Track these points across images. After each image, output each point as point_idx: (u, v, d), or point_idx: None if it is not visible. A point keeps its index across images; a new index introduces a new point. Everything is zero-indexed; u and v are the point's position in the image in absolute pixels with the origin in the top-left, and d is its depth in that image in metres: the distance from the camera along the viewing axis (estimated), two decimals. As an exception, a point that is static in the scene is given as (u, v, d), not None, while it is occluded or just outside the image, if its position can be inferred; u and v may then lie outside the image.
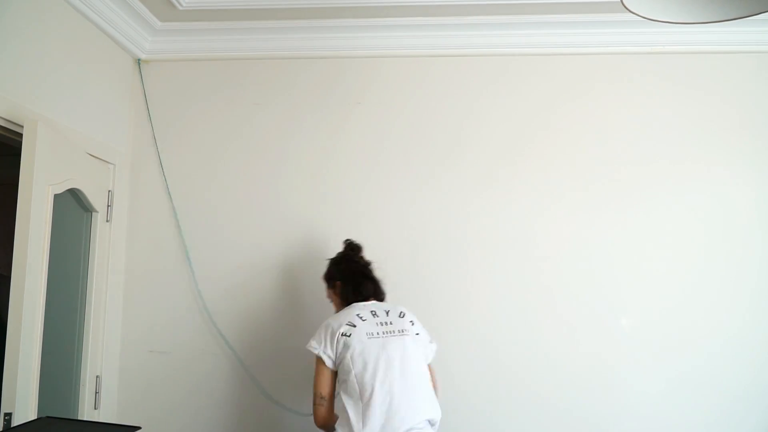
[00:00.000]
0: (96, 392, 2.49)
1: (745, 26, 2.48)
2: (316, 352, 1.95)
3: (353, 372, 1.86)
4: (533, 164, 2.62)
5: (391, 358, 1.87)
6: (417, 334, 2.00)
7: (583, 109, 2.63)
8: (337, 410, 1.89)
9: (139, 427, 1.76)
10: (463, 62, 2.69)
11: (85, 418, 2.37)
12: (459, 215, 2.61)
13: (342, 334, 1.92)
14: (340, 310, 2.09)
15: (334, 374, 1.94)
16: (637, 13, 1.22)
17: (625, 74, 2.63)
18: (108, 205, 2.59)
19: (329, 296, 2.21)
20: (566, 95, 2.64)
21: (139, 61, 2.79)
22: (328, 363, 1.93)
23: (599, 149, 2.60)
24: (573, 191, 2.59)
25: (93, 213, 2.47)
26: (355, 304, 2.05)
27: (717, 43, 2.58)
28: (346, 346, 1.89)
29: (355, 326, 1.93)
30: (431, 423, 1.88)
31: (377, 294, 2.13)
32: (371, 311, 2.00)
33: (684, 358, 2.47)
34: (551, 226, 2.58)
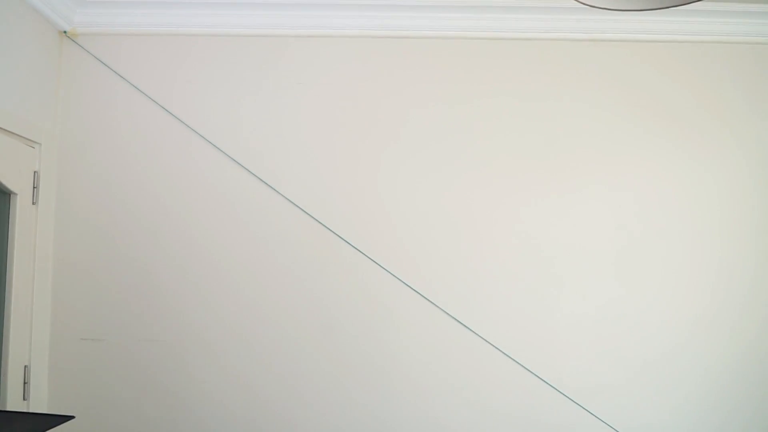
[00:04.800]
0: (25, 383, 2.38)
1: (682, 16, 2.61)
2: None
3: None
4: (474, 148, 2.65)
5: None
6: None
7: (525, 94, 2.68)
8: None
9: (72, 417, 1.70)
10: (407, 44, 2.68)
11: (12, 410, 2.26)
12: (401, 198, 2.62)
13: None
14: None
15: None
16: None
17: (567, 61, 2.69)
18: (34, 187, 2.46)
19: None
20: (509, 80, 2.68)
21: (66, 33, 2.64)
22: None
23: (542, 136, 2.66)
24: (515, 177, 2.64)
25: (11, 195, 2.33)
26: None
27: (657, 32, 2.67)
28: None
29: None
30: None
31: None
32: None
33: (632, 344, 2.59)
34: (492, 210, 2.63)
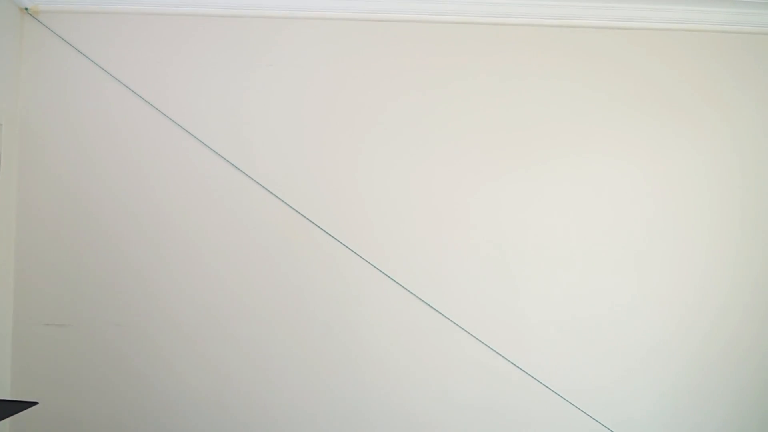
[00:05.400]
0: (-14, 369, 2.33)
1: (650, 4, 2.63)
2: None
3: None
4: (446, 134, 2.64)
5: None
6: None
7: (496, 79, 2.67)
8: None
9: (35, 403, 1.68)
10: (380, 27, 2.65)
11: (-27, 397, 2.22)
12: (375, 183, 2.61)
13: None
14: None
15: None
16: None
17: (536, 46, 2.68)
18: (-6, 168, 2.39)
19: None
20: (479, 64, 2.67)
21: (27, 10, 2.55)
22: None
23: (518, 121, 2.65)
24: (490, 163, 2.63)
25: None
26: None
27: (624, 19, 2.68)
28: None
29: None
30: None
31: None
32: None
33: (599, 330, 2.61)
34: (467, 198, 2.62)
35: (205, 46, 2.62)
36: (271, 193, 2.57)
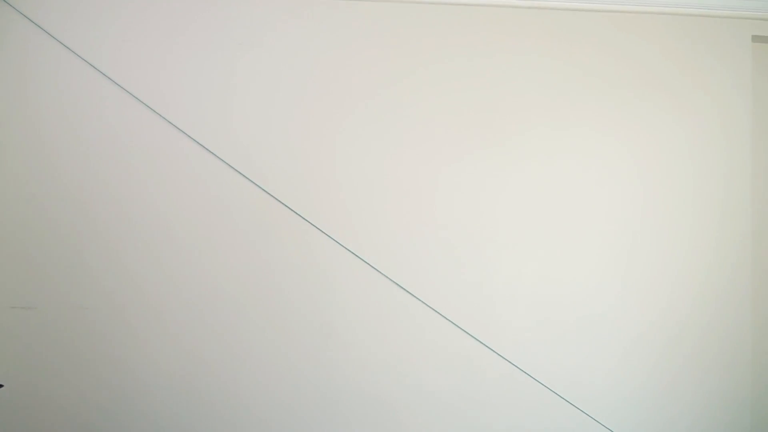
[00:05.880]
0: (-53, 353, 2.25)
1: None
2: None
3: None
4: (419, 117, 2.62)
5: None
6: None
7: (472, 61, 2.65)
8: None
9: (0, 385, 1.63)
10: (352, 7, 2.61)
11: (-66, 382, 2.13)
12: (348, 162, 2.58)
13: None
14: None
15: None
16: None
17: (511, 28, 2.68)
18: (-46, 144, 2.29)
19: None
20: (455, 47, 2.65)
21: (-13, -20, 2.46)
22: None
23: (488, 103, 2.65)
24: (459, 144, 2.63)
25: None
26: None
27: (607, 2, 2.70)
28: None
29: None
30: None
31: None
32: None
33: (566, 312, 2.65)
34: (437, 178, 2.62)
35: (174, 25, 2.54)
36: (246, 177, 2.52)
